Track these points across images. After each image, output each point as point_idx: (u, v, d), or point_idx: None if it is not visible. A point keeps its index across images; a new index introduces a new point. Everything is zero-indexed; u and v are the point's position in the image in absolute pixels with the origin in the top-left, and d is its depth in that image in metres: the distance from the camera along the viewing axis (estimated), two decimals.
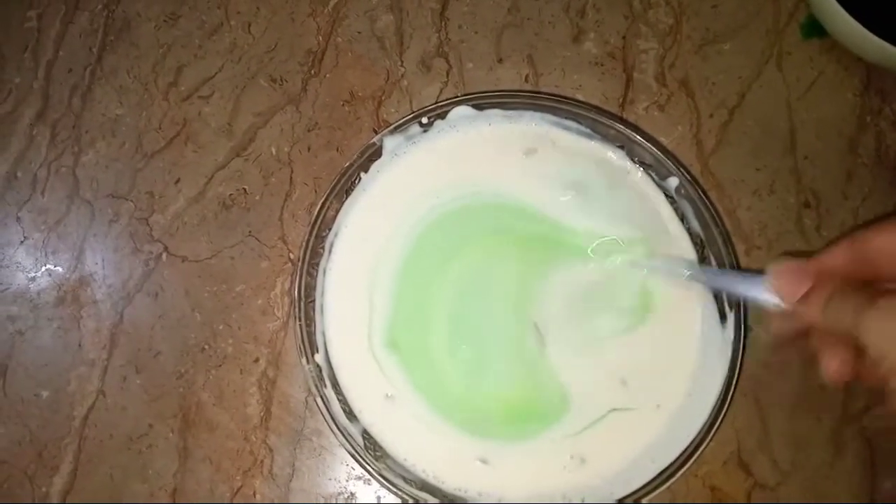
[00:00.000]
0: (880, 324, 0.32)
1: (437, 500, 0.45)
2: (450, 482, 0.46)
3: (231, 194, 0.55)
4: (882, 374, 0.32)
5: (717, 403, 0.46)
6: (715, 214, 0.48)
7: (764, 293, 0.39)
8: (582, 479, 0.46)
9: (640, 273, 0.49)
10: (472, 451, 0.47)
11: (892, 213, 0.53)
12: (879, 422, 0.49)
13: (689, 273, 0.47)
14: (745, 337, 0.46)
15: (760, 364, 0.50)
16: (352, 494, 0.49)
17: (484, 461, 0.47)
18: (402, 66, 0.57)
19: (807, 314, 0.36)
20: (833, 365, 0.36)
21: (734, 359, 0.46)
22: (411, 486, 0.45)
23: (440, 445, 0.47)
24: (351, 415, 0.47)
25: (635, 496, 0.44)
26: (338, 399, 0.47)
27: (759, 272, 0.40)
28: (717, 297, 0.48)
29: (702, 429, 0.45)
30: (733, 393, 0.45)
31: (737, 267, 0.48)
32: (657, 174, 0.51)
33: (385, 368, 0.48)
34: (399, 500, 0.46)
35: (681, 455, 0.45)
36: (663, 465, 0.45)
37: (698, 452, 0.45)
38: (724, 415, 0.45)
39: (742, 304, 0.47)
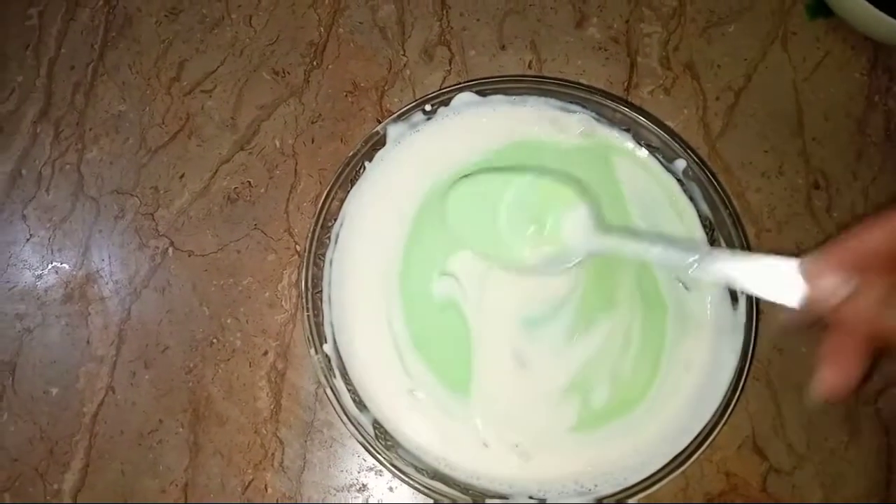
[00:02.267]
0: None
1: (450, 489, 0.45)
2: (463, 470, 0.46)
3: (236, 188, 0.55)
4: None
5: (729, 388, 0.45)
6: (724, 197, 0.48)
7: (791, 295, 0.33)
8: (595, 466, 0.46)
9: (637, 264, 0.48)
10: (485, 437, 0.47)
11: None
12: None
13: (694, 261, 0.41)
14: (757, 319, 0.46)
15: (773, 347, 0.49)
16: (364, 486, 0.49)
17: (500, 448, 0.46)
18: (404, 55, 0.57)
19: (853, 314, 0.30)
20: (837, 377, 0.31)
21: (746, 342, 0.46)
22: (423, 475, 0.45)
23: (454, 433, 0.47)
24: (361, 405, 0.47)
25: (649, 482, 0.44)
26: (347, 389, 0.47)
27: (778, 258, 0.35)
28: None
29: (715, 413, 0.45)
30: (746, 377, 0.45)
31: (746, 248, 0.47)
32: (664, 157, 0.50)
33: (403, 356, 0.48)
34: (411, 490, 0.45)
35: (694, 440, 0.44)
36: (677, 450, 0.44)
37: (711, 437, 0.44)
38: (738, 399, 0.45)
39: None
